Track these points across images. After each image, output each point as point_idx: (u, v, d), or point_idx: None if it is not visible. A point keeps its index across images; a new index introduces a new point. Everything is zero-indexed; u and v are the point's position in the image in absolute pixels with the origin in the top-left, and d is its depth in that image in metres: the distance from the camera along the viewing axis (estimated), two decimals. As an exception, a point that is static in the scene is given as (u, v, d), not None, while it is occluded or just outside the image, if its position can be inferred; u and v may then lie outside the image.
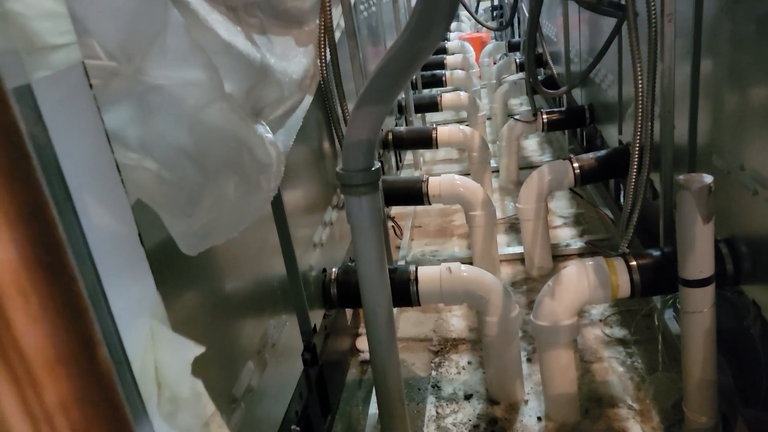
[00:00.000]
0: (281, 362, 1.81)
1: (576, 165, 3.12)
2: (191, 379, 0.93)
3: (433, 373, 2.69)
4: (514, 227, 3.88)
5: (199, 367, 1.33)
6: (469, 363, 2.72)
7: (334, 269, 2.38)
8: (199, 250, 1.12)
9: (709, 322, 1.81)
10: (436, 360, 2.77)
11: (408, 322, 3.10)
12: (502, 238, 3.77)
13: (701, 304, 1.79)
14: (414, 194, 3.24)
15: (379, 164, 1.76)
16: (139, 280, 0.92)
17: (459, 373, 2.66)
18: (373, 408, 2.33)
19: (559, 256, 3.41)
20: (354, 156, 1.71)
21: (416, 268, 2.34)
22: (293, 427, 1.82)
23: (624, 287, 2.07)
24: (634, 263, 2.07)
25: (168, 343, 0.92)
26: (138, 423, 0.82)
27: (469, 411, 2.41)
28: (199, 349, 0.94)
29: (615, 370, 2.51)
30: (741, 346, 2.04)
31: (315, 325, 2.17)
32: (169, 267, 1.22)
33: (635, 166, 2.23)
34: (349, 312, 2.79)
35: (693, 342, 1.85)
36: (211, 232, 1.16)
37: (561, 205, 4.18)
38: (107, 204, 0.84)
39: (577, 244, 3.52)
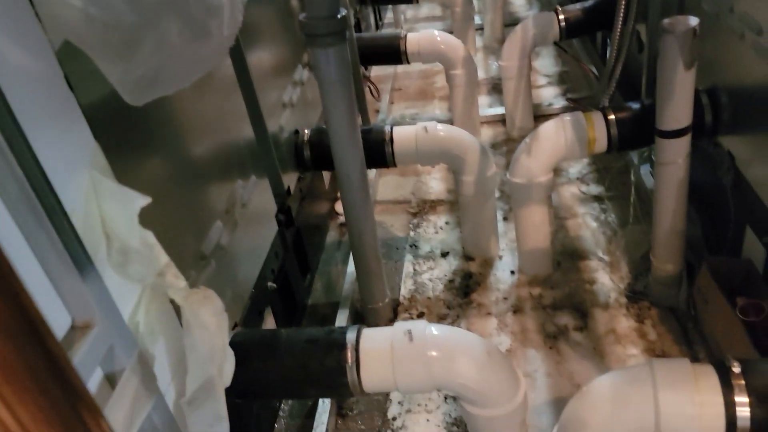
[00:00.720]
0: (253, 223, 1.81)
1: (562, 17, 2.96)
2: (141, 230, 0.90)
3: (411, 233, 2.73)
4: (496, 88, 3.77)
5: (163, 224, 1.31)
6: (446, 223, 2.75)
7: (306, 130, 2.31)
8: (145, 100, 1.05)
9: (683, 173, 1.80)
10: (415, 221, 2.80)
11: (387, 185, 3.09)
12: (483, 99, 3.68)
13: (676, 155, 1.77)
14: (392, 52, 3.09)
15: (346, 11, 1.65)
16: (71, 129, 0.86)
17: (436, 232, 2.70)
18: (352, 267, 2.37)
19: (541, 116, 3.34)
20: (318, 1, 1.59)
21: (391, 128, 2.28)
22: (269, 283, 1.86)
23: (601, 142, 2.04)
24: (612, 117, 2.02)
25: (112, 195, 0.88)
26: (84, 273, 0.80)
27: (445, 267, 2.47)
28: (145, 200, 0.90)
29: (588, 225, 2.55)
30: (712, 197, 2.05)
31: (289, 187, 2.15)
32: (125, 121, 1.16)
33: (621, 15, 2.11)
34: (326, 176, 2.77)
35: (665, 193, 1.85)
36: (156, 81, 1.08)
37: (545, 64, 4.04)
38: (20, 41, 0.76)
39: (559, 104, 3.44)
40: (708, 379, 1.15)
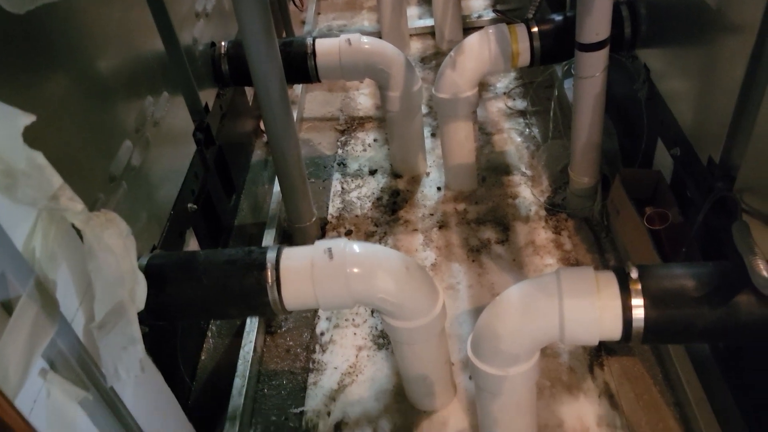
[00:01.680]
0: (168, 142, 1.73)
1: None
2: (27, 151, 0.84)
3: (339, 151, 2.69)
4: (427, -1, 3.66)
5: (62, 144, 1.24)
6: (375, 140, 2.72)
7: (224, 43, 2.19)
8: (27, 7, 0.95)
9: (600, 86, 1.83)
10: (343, 139, 2.77)
11: (314, 101, 3.01)
12: (413, 11, 3.57)
13: (594, 68, 1.78)
14: (315, -40, 2.92)
15: None
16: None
17: (365, 150, 2.68)
18: (278, 186, 2.34)
19: (470, 29, 3.29)
20: None
21: (314, 41, 2.19)
22: (189, 205, 1.81)
23: (524, 55, 2.03)
24: (535, 29, 2.01)
25: (-10, 113, 0.81)
26: (-39, 196, 0.74)
27: (373, 185, 2.47)
28: (28, 118, 0.84)
29: (513, 140, 2.59)
30: (629, 111, 2.11)
31: (207, 104, 2.05)
32: (11, 32, 1.05)
33: None
34: (249, 92, 2.66)
35: (583, 107, 1.88)
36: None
37: (477, -25, 3.93)
38: None
39: (489, 15, 3.39)
40: (608, 284, 1.22)
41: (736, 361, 1.57)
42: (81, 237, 0.99)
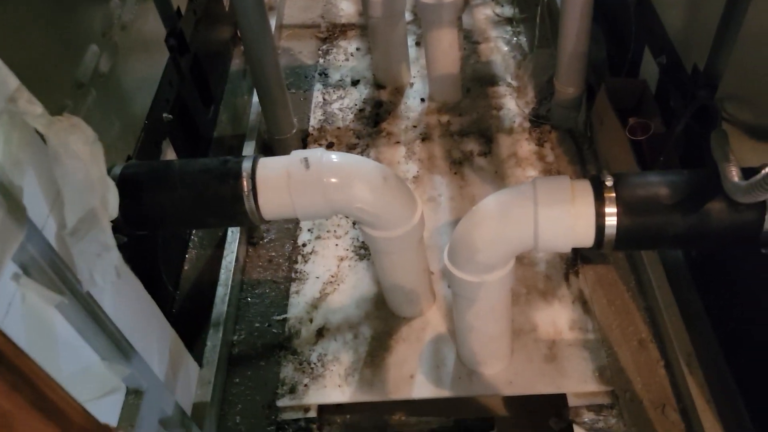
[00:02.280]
0: (138, 48, 1.67)
1: None
2: (-21, 51, 0.81)
3: (321, 60, 2.62)
4: None
5: (21, 48, 1.18)
6: (357, 49, 2.64)
7: (195, -57, 2.07)
8: None
9: (588, -9, 1.76)
10: (324, 47, 2.68)
11: (294, 7, 2.89)
12: None
13: (583, -29, 1.71)
14: None
15: None
16: None
17: (347, 59, 2.61)
18: (257, 97, 2.29)
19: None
20: None
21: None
22: (165, 114, 1.77)
23: (512, -43, 1.94)
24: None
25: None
26: None
27: (356, 96, 2.42)
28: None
29: (500, 49, 2.52)
30: (618, 18, 2.04)
31: (179, 8, 1.96)
32: None
33: None
34: (226, -3, 2.55)
35: (570, 13, 1.82)
36: None
37: None
38: None
39: None
40: (583, 193, 1.22)
41: (707, 267, 1.61)
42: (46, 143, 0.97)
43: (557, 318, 1.69)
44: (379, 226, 1.43)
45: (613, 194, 1.21)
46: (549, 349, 1.63)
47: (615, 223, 1.21)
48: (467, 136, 2.21)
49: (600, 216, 1.21)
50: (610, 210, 1.20)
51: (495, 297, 1.40)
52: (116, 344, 1.11)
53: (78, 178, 0.99)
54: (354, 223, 1.99)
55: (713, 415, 1.39)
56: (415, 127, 2.28)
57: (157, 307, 1.40)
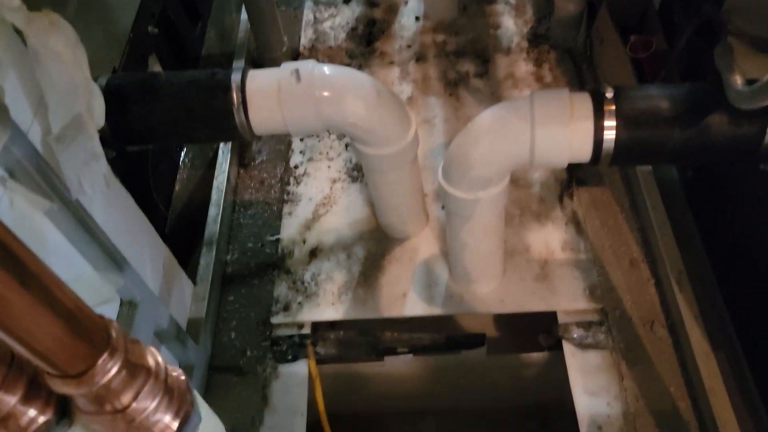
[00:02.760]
0: (120, -45, 1.58)
1: None
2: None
3: (312, -23, 2.50)
4: None
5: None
6: (350, -35, 2.53)
7: None
8: None
9: None
10: (316, -37, 2.56)
11: None
12: None
13: None
14: None
15: None
16: None
17: (340, -24, 2.49)
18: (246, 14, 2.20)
19: None
20: None
21: None
22: (150, 27, 1.70)
23: None
24: None
25: None
26: None
27: (348, 14, 2.34)
28: None
29: (499, -34, 2.42)
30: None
31: None
32: None
33: None
34: None
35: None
36: None
37: None
38: None
39: None
40: (582, 106, 1.19)
41: (701, 188, 1.61)
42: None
43: (550, 239, 1.70)
44: (373, 143, 1.40)
45: (613, 107, 1.18)
46: (541, 268, 1.65)
47: (613, 137, 1.19)
48: (463, 56, 2.15)
49: (598, 130, 1.19)
50: (609, 123, 1.18)
51: (489, 215, 1.40)
52: (108, 255, 1.11)
53: (61, 81, 0.95)
54: (347, 146, 1.96)
55: (700, 330, 1.42)
56: (409, 46, 2.21)
57: (149, 221, 1.39)
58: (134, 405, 0.63)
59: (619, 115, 1.18)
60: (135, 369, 0.63)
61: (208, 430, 0.79)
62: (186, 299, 1.56)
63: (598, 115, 1.18)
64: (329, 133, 1.99)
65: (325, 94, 1.30)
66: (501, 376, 1.75)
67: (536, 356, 1.67)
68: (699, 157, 1.21)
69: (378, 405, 1.93)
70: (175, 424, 0.69)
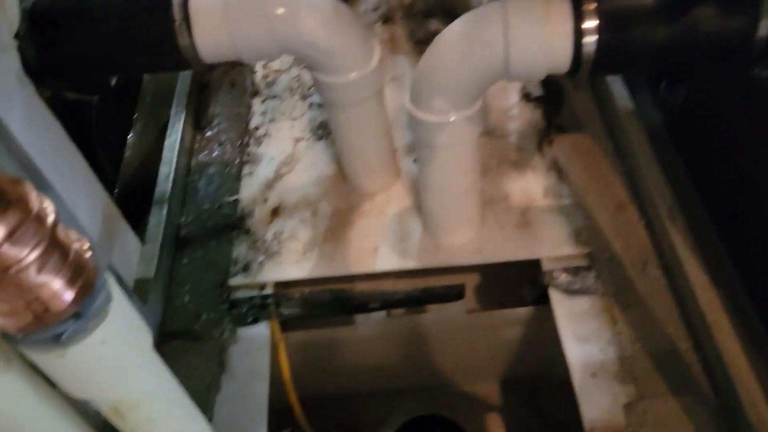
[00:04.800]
0: None
1: None
2: None
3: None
4: None
5: None
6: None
7: None
8: None
9: None
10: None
11: None
12: None
13: None
14: None
15: None
16: None
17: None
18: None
19: None
20: None
21: None
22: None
23: None
24: None
25: None
26: None
27: (311, -20, 2.24)
28: None
29: (465, -70, 2.34)
30: None
31: None
32: None
33: None
34: None
35: None
36: None
37: None
38: None
39: None
40: (560, 4, 1.09)
41: (686, 125, 1.52)
42: None
43: (530, 186, 1.58)
44: (332, 68, 1.28)
45: (594, 5, 1.08)
46: (522, 216, 1.53)
47: (595, 39, 1.08)
48: (432, 16, 2.05)
49: (578, 31, 1.08)
50: (590, 24, 1.08)
51: (462, 146, 1.28)
52: (28, 172, 0.96)
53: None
54: (311, 104, 1.84)
55: (698, 264, 1.30)
56: (375, 9, 2.11)
57: (86, 162, 1.24)
58: (4, 247, 0.48)
59: (600, 15, 1.08)
60: (4, 200, 0.48)
61: (125, 326, 0.64)
62: (132, 257, 1.40)
63: (578, 14, 1.08)
64: (293, 93, 1.87)
65: (278, 9, 1.18)
66: (483, 338, 1.61)
67: (521, 312, 1.53)
68: (687, 58, 1.11)
69: (350, 381, 1.77)
70: (69, 295, 0.54)
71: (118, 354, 0.64)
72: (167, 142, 1.68)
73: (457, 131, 1.23)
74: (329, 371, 1.69)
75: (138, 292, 1.35)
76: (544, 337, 1.57)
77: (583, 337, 1.32)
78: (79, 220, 1.12)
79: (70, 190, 1.11)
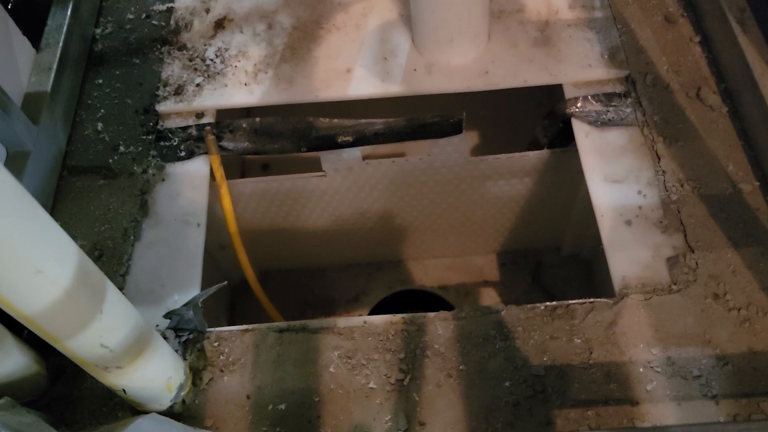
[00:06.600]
0: None
1: None
2: None
3: None
4: None
5: None
6: None
7: None
8: None
9: None
10: None
11: None
12: None
13: None
14: None
15: None
16: None
17: None
18: None
19: None
20: None
21: None
22: None
23: None
24: None
25: None
26: None
27: None
28: None
29: None
30: None
31: None
32: None
33: None
34: None
35: None
36: None
37: None
38: None
39: None
40: None
41: None
42: None
43: (552, -6, 1.21)
44: None
45: None
46: (540, 31, 1.17)
47: None
48: None
49: None
50: None
51: None
52: None
53: None
54: None
55: (775, 81, 0.97)
56: None
57: None
58: None
59: None
60: None
61: None
62: (20, 65, 1.04)
63: None
64: None
65: None
66: (483, 193, 1.29)
67: (532, 157, 1.20)
68: None
69: (318, 250, 1.46)
70: None
71: None
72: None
73: None
74: (292, 235, 1.38)
75: (27, 109, 1.01)
76: (558, 192, 1.27)
77: (616, 177, 1.01)
78: None
79: None
